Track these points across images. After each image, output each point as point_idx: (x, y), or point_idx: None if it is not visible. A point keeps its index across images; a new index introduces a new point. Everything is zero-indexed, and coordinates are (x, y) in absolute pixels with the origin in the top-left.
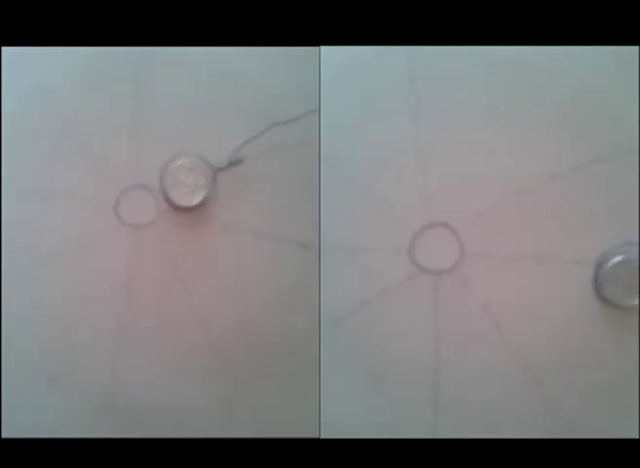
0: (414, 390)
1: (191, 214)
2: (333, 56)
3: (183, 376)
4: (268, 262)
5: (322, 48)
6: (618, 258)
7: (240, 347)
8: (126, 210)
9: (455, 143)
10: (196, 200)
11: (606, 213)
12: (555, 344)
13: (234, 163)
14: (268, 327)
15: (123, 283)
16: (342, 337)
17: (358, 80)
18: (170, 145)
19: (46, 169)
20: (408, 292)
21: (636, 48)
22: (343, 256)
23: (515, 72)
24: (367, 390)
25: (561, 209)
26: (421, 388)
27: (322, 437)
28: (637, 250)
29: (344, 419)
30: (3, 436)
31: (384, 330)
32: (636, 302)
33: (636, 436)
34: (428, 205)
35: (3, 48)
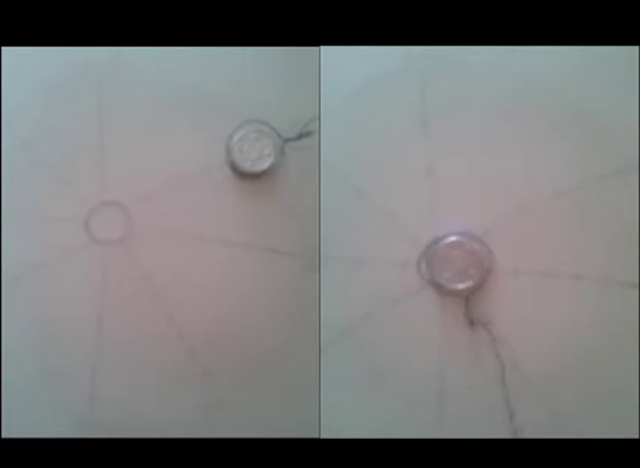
0: (419, 403)
1: (168, 224)
2: (348, 73)
3: (164, 390)
4: (253, 273)
5: (322, 49)
6: (450, 239)
7: (221, 357)
8: (96, 227)
9: (462, 160)
10: (264, 166)
11: (609, 230)
12: (557, 355)
13: (304, 135)
14: (252, 336)
15: (98, 299)
16: (348, 349)
17: (371, 98)
18: (136, 162)
19: (14, 189)
20: (416, 304)
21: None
22: (350, 269)
23: (523, 92)
24: (371, 402)
25: (565, 225)
26: (427, 400)
27: (322, 437)
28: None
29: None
30: (3, 436)
31: (391, 341)
32: (462, 287)
33: (636, 436)
34: (435, 220)
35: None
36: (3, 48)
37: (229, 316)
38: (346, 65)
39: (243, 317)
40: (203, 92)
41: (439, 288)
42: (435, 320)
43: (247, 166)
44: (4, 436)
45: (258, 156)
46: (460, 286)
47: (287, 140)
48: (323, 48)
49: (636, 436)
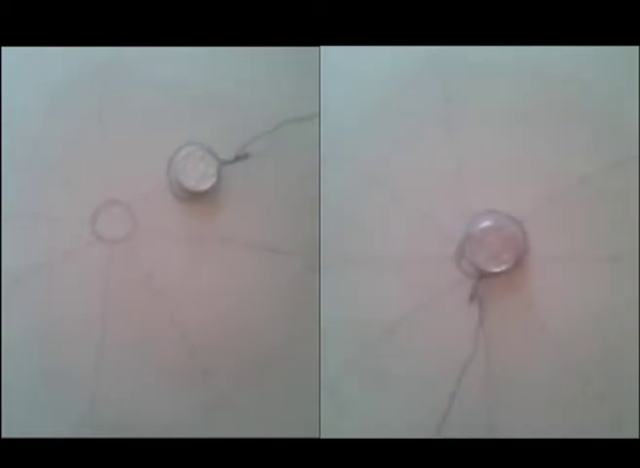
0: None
1: (171, 225)
2: (375, 77)
3: (166, 389)
4: (254, 273)
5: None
6: (485, 224)
7: (222, 358)
8: (101, 225)
9: (491, 151)
10: (206, 186)
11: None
12: (597, 338)
13: (241, 157)
14: (253, 336)
15: (101, 298)
16: (395, 346)
17: (396, 100)
18: (139, 161)
19: (19, 189)
20: (455, 297)
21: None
22: (389, 269)
23: (542, 84)
24: (424, 396)
25: (596, 209)
26: (472, 390)
27: (322, 437)
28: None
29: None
30: (3, 436)
31: (431, 336)
32: (498, 270)
33: (636, 436)
34: (468, 214)
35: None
36: (5, 48)
37: (230, 316)
38: (371, 66)
39: (244, 317)
40: (205, 93)
41: (477, 272)
42: (474, 310)
43: (190, 185)
44: (4, 436)
45: (201, 176)
46: (496, 269)
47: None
48: (335, 48)
49: (636, 436)
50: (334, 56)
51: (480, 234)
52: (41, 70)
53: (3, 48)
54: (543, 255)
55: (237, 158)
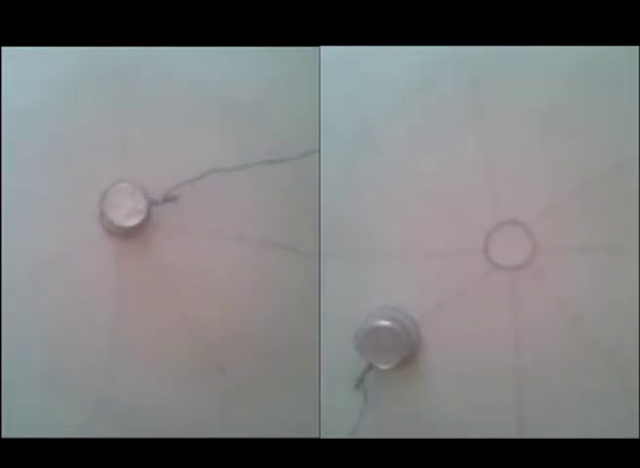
0: (496, 388)
1: (186, 218)
2: (400, 67)
3: (181, 386)
4: (266, 269)
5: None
6: (381, 323)
7: (234, 352)
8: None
9: (519, 143)
10: (133, 222)
11: None
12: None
13: (170, 199)
14: (266, 332)
15: (114, 291)
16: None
17: (426, 87)
18: (155, 160)
19: (33, 184)
20: (485, 289)
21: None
22: (419, 261)
23: (574, 71)
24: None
25: (625, 199)
26: (504, 386)
27: (322, 437)
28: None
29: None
30: (3, 436)
31: (462, 328)
32: (387, 366)
33: (636, 436)
34: (498, 204)
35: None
36: (30, 46)
37: (245, 313)
38: (397, 65)
39: (258, 314)
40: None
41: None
42: (506, 302)
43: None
44: (16, 435)
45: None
46: (384, 366)
47: (154, 204)
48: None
49: (636, 436)
50: (351, 54)
51: (373, 331)
52: (64, 66)
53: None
54: (572, 247)
55: (166, 200)
